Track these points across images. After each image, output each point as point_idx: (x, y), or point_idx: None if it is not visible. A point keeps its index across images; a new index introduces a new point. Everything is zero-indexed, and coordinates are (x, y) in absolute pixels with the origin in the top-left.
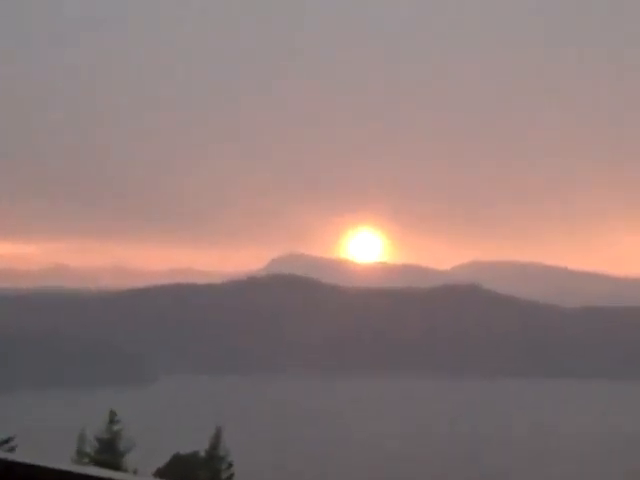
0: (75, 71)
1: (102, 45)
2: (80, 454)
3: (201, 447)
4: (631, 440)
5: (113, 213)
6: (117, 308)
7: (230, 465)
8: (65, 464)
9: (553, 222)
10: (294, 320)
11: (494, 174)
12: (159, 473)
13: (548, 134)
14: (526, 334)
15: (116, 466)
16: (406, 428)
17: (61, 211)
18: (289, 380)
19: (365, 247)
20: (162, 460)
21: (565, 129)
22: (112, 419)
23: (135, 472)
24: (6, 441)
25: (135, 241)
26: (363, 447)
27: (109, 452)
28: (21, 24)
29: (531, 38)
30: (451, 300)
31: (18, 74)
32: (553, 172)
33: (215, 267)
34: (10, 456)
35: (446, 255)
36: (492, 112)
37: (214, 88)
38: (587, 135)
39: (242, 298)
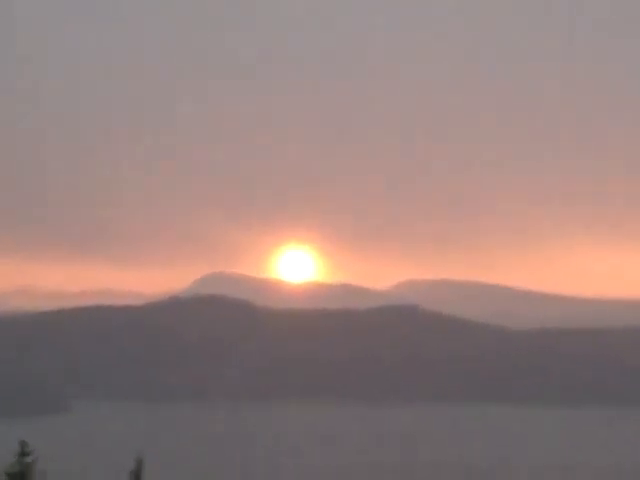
0: None
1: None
2: None
3: (123, 479)
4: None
5: (23, 230)
6: (27, 331)
7: None
8: None
9: (495, 239)
10: (220, 344)
11: (431, 190)
12: None
13: (492, 146)
14: (466, 357)
15: None
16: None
17: None
18: (213, 408)
19: (298, 266)
20: None
21: (512, 140)
22: (23, 451)
23: None
24: None
25: (47, 261)
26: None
27: None
28: None
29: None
30: (390, 321)
31: None
32: (496, 187)
33: (136, 288)
34: None
35: (383, 274)
36: (431, 123)
37: (145, 98)
38: (539, 147)
39: (164, 320)
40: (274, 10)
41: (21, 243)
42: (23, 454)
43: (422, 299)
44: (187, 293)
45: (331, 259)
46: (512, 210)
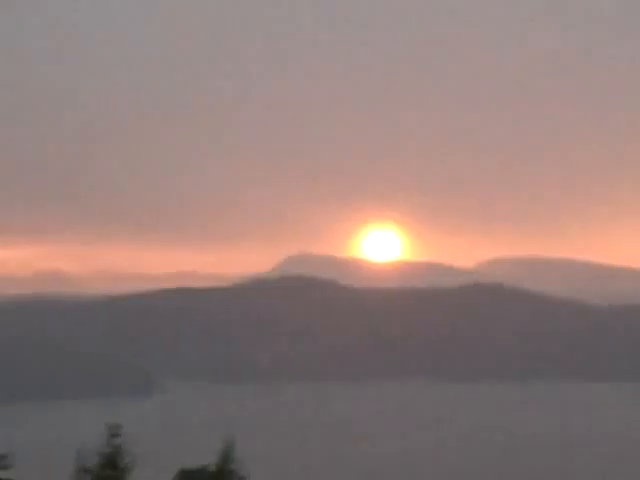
0: (64, 73)
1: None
2: (79, 470)
3: (212, 460)
4: None
5: (111, 216)
6: (118, 314)
7: (242, 479)
8: None
9: (579, 216)
10: (308, 324)
11: (517, 169)
12: None
13: (577, 127)
14: (557, 334)
15: None
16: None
17: (56, 215)
18: (305, 388)
19: (382, 245)
20: (169, 475)
21: (592, 120)
22: (114, 432)
23: None
24: (1, 458)
25: (135, 245)
26: (388, 460)
27: (111, 467)
28: None
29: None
30: (477, 299)
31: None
32: (580, 166)
33: (221, 269)
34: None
35: (468, 252)
36: (511, 106)
37: (219, 86)
38: (621, 125)
39: (251, 301)
40: None
41: (106, 228)
42: (113, 435)
43: (507, 276)
44: (272, 274)
45: (416, 237)
46: (597, 186)
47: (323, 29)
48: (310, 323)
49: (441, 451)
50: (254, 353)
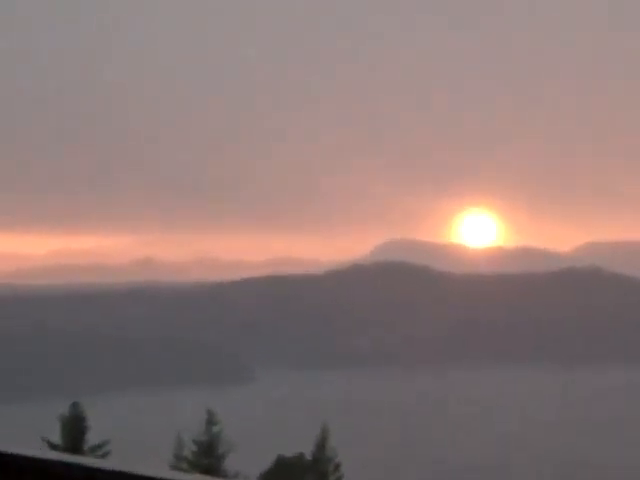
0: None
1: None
2: (178, 458)
3: (306, 449)
4: None
5: (202, 203)
6: (211, 302)
7: (338, 466)
8: (153, 469)
9: None
10: (405, 311)
11: (608, 149)
12: (263, 477)
13: None
14: None
15: (216, 470)
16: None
17: (148, 203)
18: (401, 375)
19: (477, 230)
20: (265, 463)
21: None
22: (210, 420)
23: (236, 476)
24: (99, 446)
25: (227, 231)
26: (486, 447)
27: (208, 455)
28: None
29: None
30: (573, 284)
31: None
32: None
33: (315, 255)
34: (95, 462)
35: (564, 236)
36: (597, 86)
37: (302, 68)
38: None
39: (346, 288)
40: None
41: (198, 214)
42: (210, 423)
43: (603, 261)
44: (367, 260)
45: (512, 223)
46: None
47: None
48: (406, 309)
49: (545, 434)
50: (350, 339)
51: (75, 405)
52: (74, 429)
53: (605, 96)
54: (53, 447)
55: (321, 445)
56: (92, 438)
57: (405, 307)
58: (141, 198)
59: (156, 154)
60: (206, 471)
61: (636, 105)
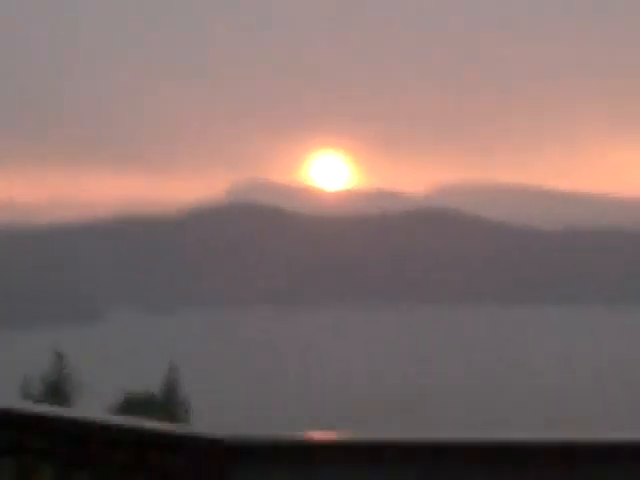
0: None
1: None
2: (25, 397)
3: (157, 389)
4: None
5: (53, 141)
6: (62, 243)
7: (187, 409)
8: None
9: (528, 139)
10: (260, 252)
11: (463, 91)
12: (113, 414)
13: (526, 49)
14: (505, 258)
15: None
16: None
17: (4, 143)
18: (254, 315)
19: (330, 172)
20: (115, 402)
21: (545, 46)
22: (59, 359)
23: None
24: None
25: (80, 171)
26: (332, 386)
27: (55, 395)
28: None
29: None
30: (425, 225)
31: None
32: (526, 86)
33: (168, 196)
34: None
35: (418, 177)
36: (461, 24)
37: (170, 15)
38: (559, 50)
39: (199, 229)
40: None
41: (52, 153)
42: (58, 363)
43: (457, 202)
44: (220, 202)
45: (366, 164)
46: (548, 112)
47: None
48: (259, 251)
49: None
50: (202, 279)
51: None
52: None
53: (447, 36)
54: None
55: (170, 386)
56: None
57: (258, 249)
58: None
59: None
60: None
61: (480, 43)
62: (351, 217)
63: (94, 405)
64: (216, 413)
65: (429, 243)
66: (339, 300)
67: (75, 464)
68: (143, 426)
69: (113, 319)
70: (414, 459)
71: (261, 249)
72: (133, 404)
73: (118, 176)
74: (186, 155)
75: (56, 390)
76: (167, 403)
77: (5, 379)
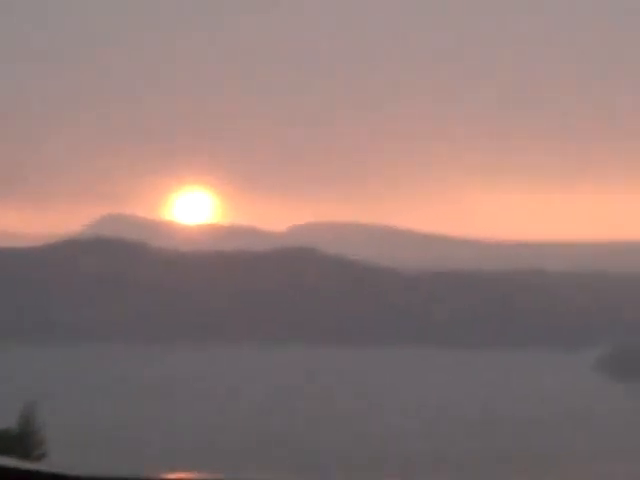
0: None
1: None
2: None
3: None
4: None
5: None
6: None
7: (42, 442)
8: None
9: (397, 181)
10: (117, 286)
11: (327, 129)
12: None
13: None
14: (362, 299)
15: None
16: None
17: None
18: (109, 350)
19: (193, 208)
20: None
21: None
22: None
23: None
24: None
25: None
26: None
27: None
28: None
29: None
30: (284, 264)
31: None
32: (397, 124)
33: (28, 228)
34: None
35: (281, 216)
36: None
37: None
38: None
39: (59, 262)
40: None
41: None
42: None
43: (319, 241)
44: (82, 235)
45: (230, 200)
46: (418, 153)
47: None
48: (118, 285)
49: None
50: (63, 313)
51: None
52: None
53: (321, 75)
54: None
55: (25, 420)
56: None
57: (117, 284)
58: None
59: None
60: None
61: (366, 84)
62: (211, 253)
63: None
64: (74, 450)
65: (288, 281)
66: (188, 336)
67: None
68: None
69: None
70: None
71: (121, 284)
72: None
73: None
74: (49, 188)
75: None
76: (23, 438)
77: None
